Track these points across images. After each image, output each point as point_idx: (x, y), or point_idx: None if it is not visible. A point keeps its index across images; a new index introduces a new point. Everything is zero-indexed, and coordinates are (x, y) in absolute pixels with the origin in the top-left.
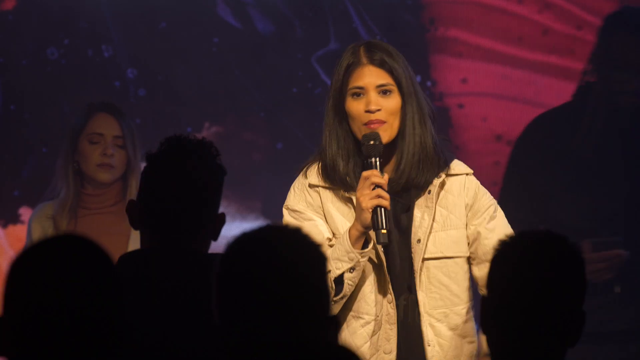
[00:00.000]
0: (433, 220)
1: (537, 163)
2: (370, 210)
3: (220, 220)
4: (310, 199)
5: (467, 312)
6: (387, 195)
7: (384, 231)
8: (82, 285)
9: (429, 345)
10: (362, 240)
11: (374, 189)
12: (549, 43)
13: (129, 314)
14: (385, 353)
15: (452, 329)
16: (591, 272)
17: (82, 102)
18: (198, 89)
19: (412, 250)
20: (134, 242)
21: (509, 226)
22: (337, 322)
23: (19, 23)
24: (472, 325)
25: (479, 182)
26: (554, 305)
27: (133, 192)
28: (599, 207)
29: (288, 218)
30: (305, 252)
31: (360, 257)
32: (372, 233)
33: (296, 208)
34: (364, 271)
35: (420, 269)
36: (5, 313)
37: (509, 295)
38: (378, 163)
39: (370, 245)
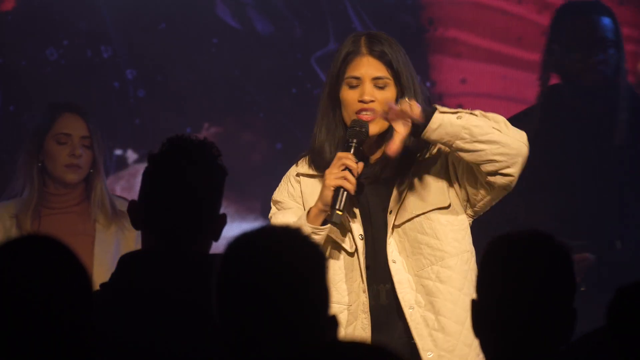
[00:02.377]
0: (406, 190)
1: None
2: (332, 189)
3: (222, 221)
4: (291, 189)
5: (462, 264)
6: (353, 180)
7: (339, 212)
8: (51, 287)
9: (410, 309)
10: (321, 218)
11: (344, 170)
12: None
13: (107, 316)
14: None
15: (444, 282)
16: None
17: (81, 102)
18: (198, 89)
19: (387, 223)
20: (100, 242)
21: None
22: (337, 322)
23: (19, 24)
24: (470, 277)
25: None
26: (544, 305)
27: (97, 193)
28: (563, 208)
29: (273, 210)
30: (304, 252)
31: (311, 231)
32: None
33: (278, 199)
34: (333, 260)
35: (393, 236)
36: None
37: (498, 297)
38: (355, 148)
39: (327, 226)
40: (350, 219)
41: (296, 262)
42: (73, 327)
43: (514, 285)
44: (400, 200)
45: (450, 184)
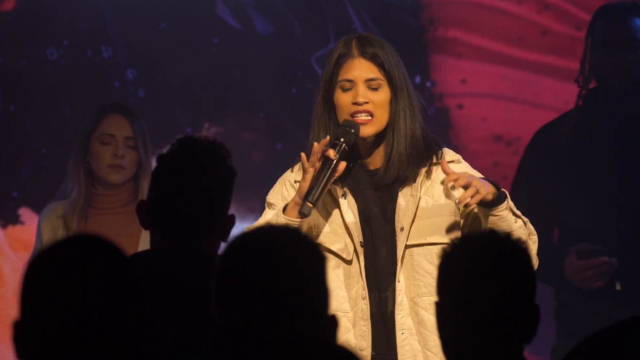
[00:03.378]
0: (417, 208)
1: (545, 168)
2: (305, 176)
3: (230, 222)
4: (286, 194)
5: None
6: (326, 168)
7: (309, 204)
8: (102, 286)
9: (402, 334)
10: (296, 210)
11: (320, 159)
12: (548, 43)
13: (147, 315)
14: (359, 350)
15: (432, 318)
16: (582, 280)
17: (82, 102)
18: (198, 89)
19: (397, 238)
20: (144, 243)
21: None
22: (336, 321)
23: (19, 23)
24: None
25: (467, 166)
26: (505, 303)
27: (144, 193)
28: (601, 210)
29: (265, 211)
30: (304, 251)
31: (284, 221)
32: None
33: (271, 201)
34: (331, 266)
35: (403, 256)
36: (22, 316)
37: (459, 298)
38: (339, 146)
39: (300, 217)
40: (348, 225)
41: (295, 261)
42: (126, 327)
43: (473, 285)
44: (412, 219)
45: (458, 216)
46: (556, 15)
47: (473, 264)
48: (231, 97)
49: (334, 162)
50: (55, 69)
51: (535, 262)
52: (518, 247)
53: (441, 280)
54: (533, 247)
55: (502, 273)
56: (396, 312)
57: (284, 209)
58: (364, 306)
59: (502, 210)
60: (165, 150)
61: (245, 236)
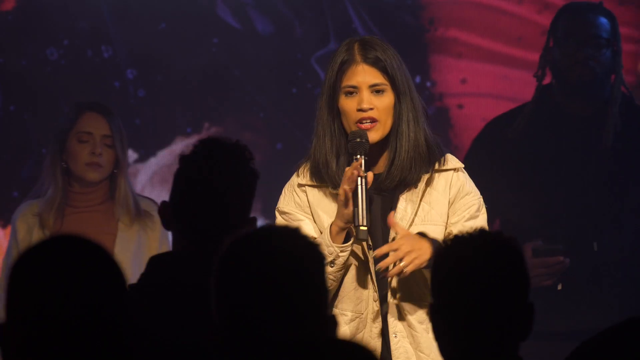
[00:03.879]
0: (415, 215)
1: (489, 161)
2: (345, 203)
3: (252, 224)
4: (298, 200)
5: None
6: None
7: (363, 227)
8: (87, 286)
9: (394, 337)
10: (342, 235)
11: (353, 182)
12: None
13: (143, 315)
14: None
15: (420, 322)
16: (532, 277)
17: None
18: (198, 90)
19: (389, 241)
20: (121, 240)
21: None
22: (336, 321)
23: (19, 23)
24: None
25: (466, 179)
26: (499, 302)
27: (121, 192)
28: (545, 206)
29: (279, 220)
30: (304, 251)
31: (338, 251)
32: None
33: (285, 210)
34: (348, 268)
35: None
36: (8, 318)
37: (453, 299)
38: (363, 161)
39: (352, 241)
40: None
41: (295, 261)
42: (112, 326)
43: (466, 284)
44: (409, 224)
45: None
46: None
47: (466, 263)
48: (231, 97)
49: (365, 178)
50: (55, 69)
51: None
52: (510, 245)
53: (435, 281)
54: None
55: (495, 272)
56: (389, 315)
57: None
58: (376, 308)
59: None
60: (187, 152)
61: (245, 236)
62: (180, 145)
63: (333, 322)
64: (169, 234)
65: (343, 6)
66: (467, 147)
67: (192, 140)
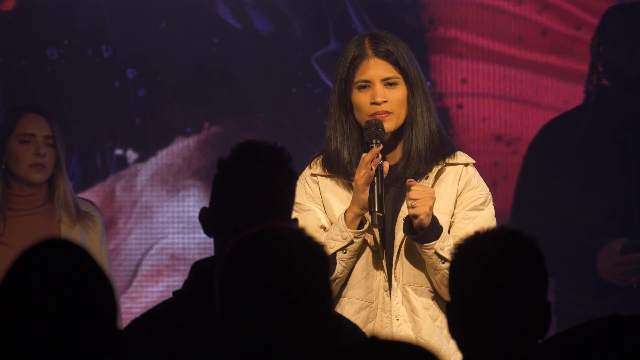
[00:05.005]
0: None
1: (551, 165)
2: (363, 188)
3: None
4: (309, 190)
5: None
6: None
7: (379, 214)
8: (75, 289)
9: (397, 320)
10: (357, 222)
11: (371, 169)
12: (548, 43)
13: (184, 322)
14: None
15: (425, 307)
16: (618, 274)
17: (82, 102)
18: (198, 89)
19: (396, 227)
20: None
21: (493, 225)
22: (339, 323)
23: (19, 23)
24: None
25: (476, 174)
26: (517, 300)
27: (61, 193)
28: (615, 206)
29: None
30: (308, 252)
31: (353, 236)
32: (368, 216)
33: (296, 200)
34: (359, 256)
35: (400, 246)
36: None
37: (472, 297)
38: (380, 147)
39: (366, 227)
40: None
41: (299, 261)
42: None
43: (484, 283)
44: None
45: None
46: (556, 15)
47: (483, 262)
48: (231, 97)
49: (381, 165)
50: (55, 69)
51: None
52: (529, 243)
53: (452, 279)
54: None
55: (513, 270)
56: (392, 298)
57: (345, 221)
58: (387, 298)
59: (427, 249)
60: (224, 157)
61: (249, 236)
62: (180, 145)
63: (337, 324)
64: (106, 236)
65: (343, 6)
66: (467, 147)
67: (192, 140)
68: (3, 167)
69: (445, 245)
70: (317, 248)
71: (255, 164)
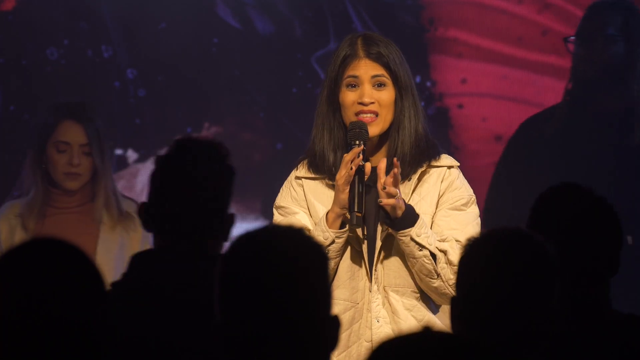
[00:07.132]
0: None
1: (527, 161)
2: (343, 188)
3: (230, 221)
4: (294, 194)
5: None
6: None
7: (358, 214)
8: (65, 289)
9: (377, 322)
10: (338, 222)
11: (351, 169)
12: (548, 43)
13: (125, 313)
14: (366, 341)
15: (407, 309)
16: None
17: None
18: (198, 89)
19: (378, 228)
20: (103, 242)
21: (475, 226)
22: (338, 323)
23: (19, 23)
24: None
25: (460, 176)
26: (524, 302)
27: (102, 194)
28: None
29: (276, 216)
30: (306, 252)
31: (334, 236)
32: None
33: (282, 204)
34: (343, 258)
35: (381, 248)
36: None
37: (478, 296)
38: (362, 148)
39: (347, 227)
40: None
41: (298, 261)
42: (86, 328)
43: (493, 282)
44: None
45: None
46: (556, 15)
47: (493, 262)
48: (231, 97)
49: (362, 165)
50: (55, 69)
51: (450, 291)
52: (540, 247)
53: (460, 276)
54: (452, 277)
55: (522, 273)
56: (372, 300)
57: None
58: (371, 298)
59: (403, 236)
60: (162, 152)
61: (247, 236)
62: None
63: (336, 324)
64: (150, 235)
65: (343, 6)
66: (467, 147)
67: None
68: (44, 167)
69: (422, 232)
70: (316, 248)
71: (191, 160)
